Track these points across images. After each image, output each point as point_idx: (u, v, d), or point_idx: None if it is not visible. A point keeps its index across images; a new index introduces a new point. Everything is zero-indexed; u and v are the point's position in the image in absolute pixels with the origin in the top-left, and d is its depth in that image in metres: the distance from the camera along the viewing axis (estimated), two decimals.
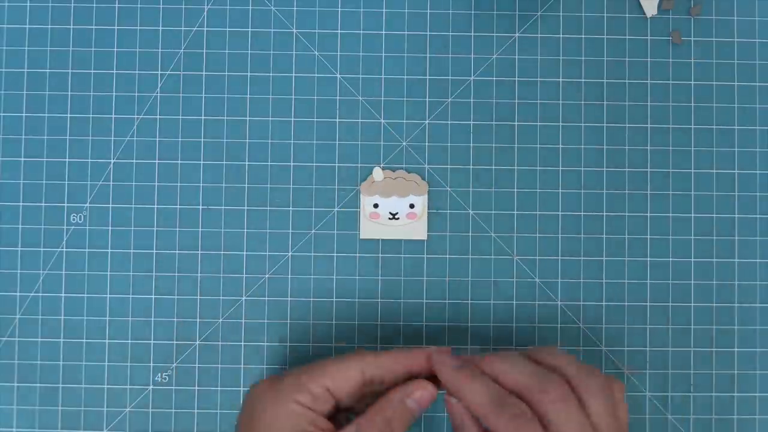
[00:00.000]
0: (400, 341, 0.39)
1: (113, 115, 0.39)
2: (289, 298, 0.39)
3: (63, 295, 0.39)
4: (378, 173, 0.38)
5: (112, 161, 0.39)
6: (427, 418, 0.39)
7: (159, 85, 0.39)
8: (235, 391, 0.38)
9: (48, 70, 0.39)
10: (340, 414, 0.34)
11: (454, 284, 0.39)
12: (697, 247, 0.39)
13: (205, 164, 0.39)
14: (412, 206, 0.38)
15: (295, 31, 0.40)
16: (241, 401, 0.38)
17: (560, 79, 0.39)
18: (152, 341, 0.38)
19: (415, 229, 0.38)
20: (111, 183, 0.39)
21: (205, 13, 0.40)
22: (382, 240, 0.39)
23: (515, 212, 0.39)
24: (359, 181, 0.39)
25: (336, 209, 0.39)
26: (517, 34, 0.40)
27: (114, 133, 0.39)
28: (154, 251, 0.39)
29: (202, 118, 0.39)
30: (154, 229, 0.39)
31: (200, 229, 0.39)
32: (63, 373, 0.38)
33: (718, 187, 0.39)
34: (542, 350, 0.33)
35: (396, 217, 0.38)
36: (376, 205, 0.38)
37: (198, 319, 0.39)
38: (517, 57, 0.39)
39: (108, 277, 0.39)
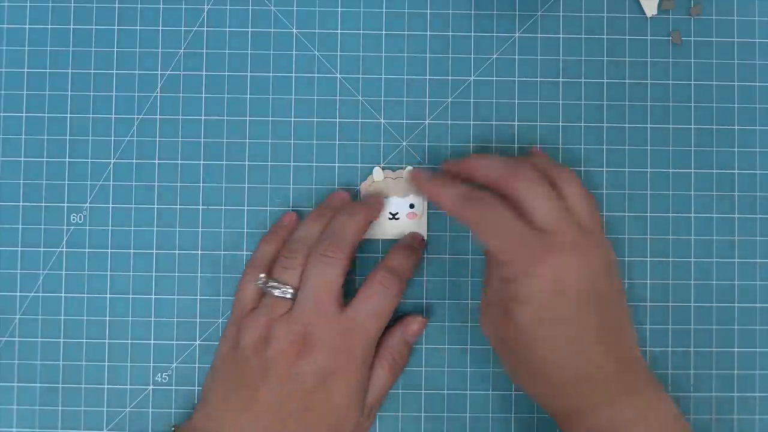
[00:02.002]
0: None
1: (113, 115, 0.39)
2: None
3: (63, 295, 0.39)
4: (378, 173, 0.38)
5: (112, 161, 0.39)
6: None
7: (159, 85, 0.39)
8: None
9: (48, 70, 0.39)
10: None
11: (454, 284, 0.39)
12: (697, 247, 0.39)
13: (205, 164, 0.39)
14: (412, 206, 0.38)
15: (295, 31, 0.40)
16: None
17: (560, 79, 0.39)
18: (152, 341, 0.38)
19: (415, 229, 0.38)
20: (111, 183, 0.39)
21: (205, 13, 0.40)
22: (382, 240, 0.39)
23: None
24: (359, 181, 0.39)
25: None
26: (517, 34, 0.40)
27: (114, 133, 0.39)
28: (154, 251, 0.39)
29: (202, 118, 0.39)
30: (154, 229, 0.39)
31: (200, 229, 0.39)
32: (63, 373, 0.38)
33: (718, 187, 0.39)
34: (518, 158, 0.35)
35: (396, 217, 0.38)
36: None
37: (198, 319, 0.39)
38: (517, 57, 0.39)
39: (108, 277, 0.39)
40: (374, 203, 0.38)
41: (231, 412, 0.34)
